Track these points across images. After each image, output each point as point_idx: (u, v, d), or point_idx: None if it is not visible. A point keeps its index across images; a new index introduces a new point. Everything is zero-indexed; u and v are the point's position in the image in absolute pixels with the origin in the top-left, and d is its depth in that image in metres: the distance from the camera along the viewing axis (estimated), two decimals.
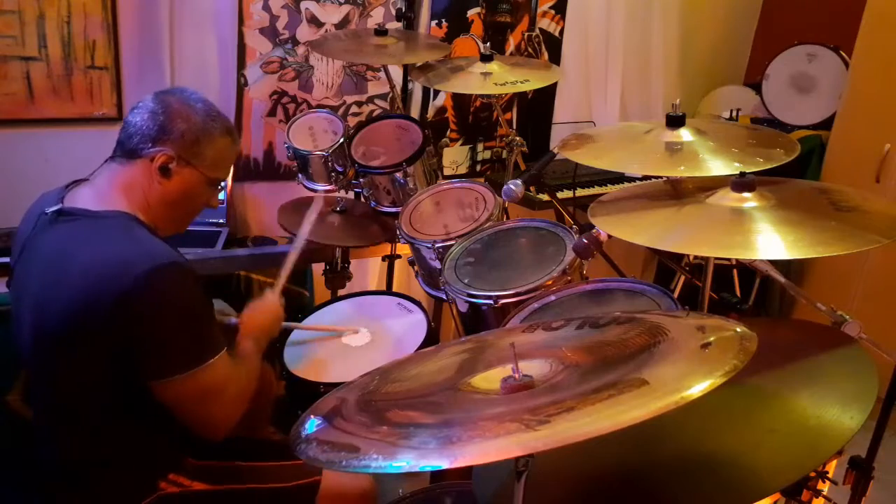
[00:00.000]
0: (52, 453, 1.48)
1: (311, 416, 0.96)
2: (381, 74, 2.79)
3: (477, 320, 1.66)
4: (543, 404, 0.82)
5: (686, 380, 0.76)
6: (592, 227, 1.36)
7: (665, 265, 3.31)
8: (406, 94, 2.76)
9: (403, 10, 2.64)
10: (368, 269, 2.91)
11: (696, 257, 2.36)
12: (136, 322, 1.31)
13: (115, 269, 1.31)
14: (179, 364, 1.34)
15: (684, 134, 1.48)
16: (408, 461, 0.74)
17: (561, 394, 0.85)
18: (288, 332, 1.88)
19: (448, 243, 1.80)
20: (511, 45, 3.10)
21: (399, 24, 2.62)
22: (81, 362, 1.36)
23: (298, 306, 2.48)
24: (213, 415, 1.42)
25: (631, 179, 2.91)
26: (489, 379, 0.96)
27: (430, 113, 2.99)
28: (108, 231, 1.39)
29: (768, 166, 1.34)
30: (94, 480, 1.44)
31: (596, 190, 2.88)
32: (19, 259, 1.47)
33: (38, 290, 1.38)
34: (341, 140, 2.17)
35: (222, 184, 1.61)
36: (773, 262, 1.52)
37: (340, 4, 2.69)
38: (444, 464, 0.73)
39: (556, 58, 3.21)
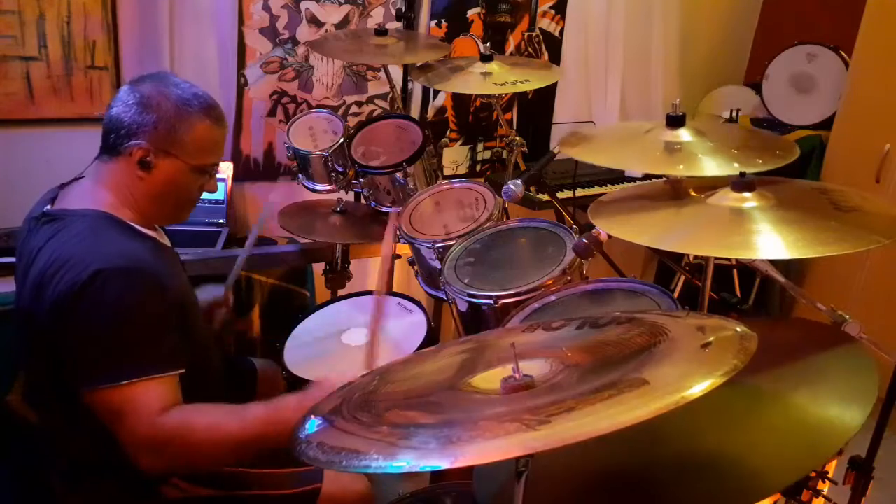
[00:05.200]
0: (54, 455, 1.48)
1: (311, 417, 0.96)
2: (381, 74, 2.78)
3: (477, 320, 1.66)
4: (543, 404, 0.82)
5: (686, 380, 0.76)
6: (592, 227, 1.36)
7: (665, 265, 3.31)
8: (406, 94, 2.76)
9: (403, 10, 2.64)
10: (368, 269, 2.90)
11: (696, 257, 2.35)
12: (67, 324, 1.27)
13: (60, 270, 1.28)
14: (97, 375, 1.26)
15: (684, 134, 1.48)
16: (408, 461, 0.74)
17: (561, 394, 0.85)
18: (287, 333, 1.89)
19: (448, 243, 1.79)
20: (511, 45, 3.09)
21: (399, 24, 2.62)
22: (61, 365, 1.34)
23: (299, 306, 2.48)
24: (123, 438, 1.27)
25: (631, 179, 2.91)
26: (489, 379, 0.96)
27: (430, 113, 2.99)
28: (72, 232, 1.35)
29: (767, 168, 1.34)
30: (94, 483, 1.44)
31: (596, 190, 2.88)
32: (17, 263, 1.48)
33: (24, 294, 1.39)
34: (341, 140, 2.17)
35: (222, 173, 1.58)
36: (773, 262, 1.52)
37: (340, 4, 2.69)
38: (445, 464, 0.72)
39: (556, 58, 3.20)
